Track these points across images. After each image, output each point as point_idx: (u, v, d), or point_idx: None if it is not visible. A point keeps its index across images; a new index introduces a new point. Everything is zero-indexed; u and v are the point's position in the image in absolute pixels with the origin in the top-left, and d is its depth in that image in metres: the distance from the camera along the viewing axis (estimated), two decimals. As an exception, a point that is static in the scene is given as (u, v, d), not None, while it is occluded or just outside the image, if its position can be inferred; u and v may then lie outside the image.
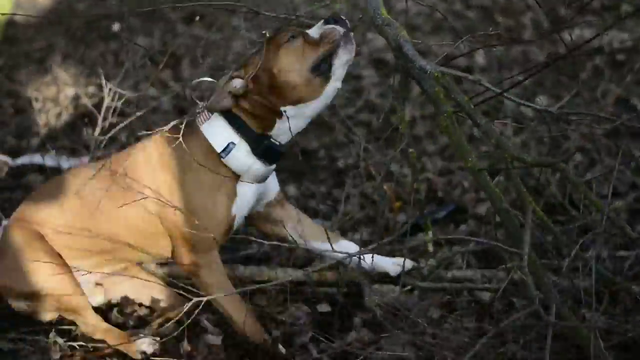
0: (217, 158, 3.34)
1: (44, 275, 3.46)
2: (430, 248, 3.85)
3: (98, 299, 3.72)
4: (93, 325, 3.56)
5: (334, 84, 3.29)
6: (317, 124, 5.02)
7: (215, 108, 3.31)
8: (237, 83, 3.30)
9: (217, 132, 3.34)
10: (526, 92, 5.39)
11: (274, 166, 3.43)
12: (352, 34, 3.29)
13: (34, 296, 3.50)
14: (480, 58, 5.90)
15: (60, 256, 3.51)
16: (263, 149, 3.32)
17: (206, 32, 6.44)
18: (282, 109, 3.28)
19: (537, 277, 3.00)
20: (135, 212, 3.42)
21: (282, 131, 3.32)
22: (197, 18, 4.93)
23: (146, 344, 3.54)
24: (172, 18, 6.96)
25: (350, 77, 5.66)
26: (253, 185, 3.42)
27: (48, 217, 3.54)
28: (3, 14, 4.49)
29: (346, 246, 3.56)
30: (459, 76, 3.07)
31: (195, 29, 6.52)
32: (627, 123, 3.03)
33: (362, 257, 3.53)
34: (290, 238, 3.57)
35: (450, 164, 4.79)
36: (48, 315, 3.59)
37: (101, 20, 5.00)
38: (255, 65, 3.29)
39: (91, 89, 5.80)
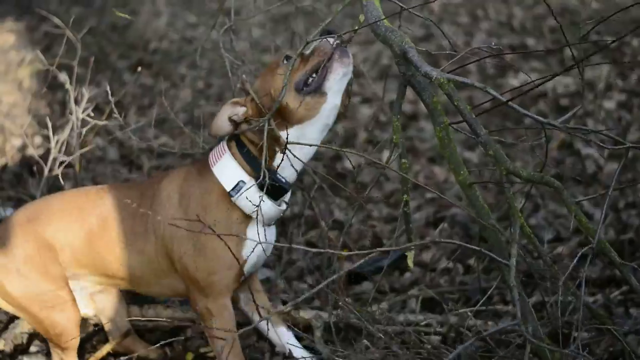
0: (228, 198, 3.23)
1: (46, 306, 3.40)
2: (411, 264, 3.65)
3: (88, 311, 3.68)
4: None
5: (331, 100, 3.15)
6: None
7: (217, 133, 3.23)
8: (238, 110, 3.22)
9: (227, 171, 3.24)
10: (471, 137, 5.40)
11: (284, 207, 3.32)
12: (346, 46, 3.15)
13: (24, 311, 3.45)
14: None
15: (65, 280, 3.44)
16: (271, 184, 3.16)
17: (153, 81, 6.45)
18: (283, 133, 3.14)
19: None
20: (149, 246, 3.36)
21: (285, 163, 3.18)
22: (139, 69, 4.88)
23: None
24: (119, 67, 6.97)
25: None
26: (263, 228, 3.29)
27: (61, 232, 3.42)
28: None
29: (281, 332, 3.56)
30: (460, 83, 2.96)
31: (142, 77, 6.52)
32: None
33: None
34: (240, 304, 3.56)
35: (395, 211, 4.79)
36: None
37: (48, 70, 4.98)
38: (255, 89, 3.21)
39: (37, 140, 5.76)
